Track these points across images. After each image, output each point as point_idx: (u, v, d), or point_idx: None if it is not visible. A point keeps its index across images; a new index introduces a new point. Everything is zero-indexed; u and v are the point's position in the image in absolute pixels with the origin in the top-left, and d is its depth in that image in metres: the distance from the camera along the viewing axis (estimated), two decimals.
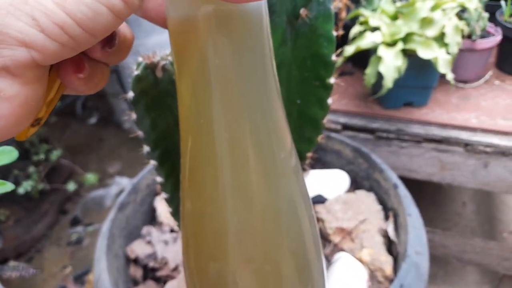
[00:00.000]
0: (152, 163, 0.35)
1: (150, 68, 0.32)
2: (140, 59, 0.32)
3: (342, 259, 0.51)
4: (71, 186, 1.07)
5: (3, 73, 0.15)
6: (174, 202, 0.38)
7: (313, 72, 0.41)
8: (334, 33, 0.38)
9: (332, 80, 0.41)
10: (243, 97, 0.24)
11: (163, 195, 0.37)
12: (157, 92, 0.33)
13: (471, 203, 0.99)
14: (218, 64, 0.22)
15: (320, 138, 0.46)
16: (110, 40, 0.20)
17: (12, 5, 0.14)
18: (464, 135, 0.63)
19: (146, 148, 0.34)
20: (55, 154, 1.05)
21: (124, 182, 1.22)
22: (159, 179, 0.36)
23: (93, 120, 1.47)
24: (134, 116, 0.32)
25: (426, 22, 0.60)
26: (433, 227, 0.92)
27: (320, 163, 0.70)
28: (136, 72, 0.31)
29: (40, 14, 0.15)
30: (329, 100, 0.42)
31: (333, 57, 0.39)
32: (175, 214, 0.39)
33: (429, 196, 1.01)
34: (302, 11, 0.36)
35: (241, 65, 0.23)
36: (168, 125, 0.35)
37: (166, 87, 0.33)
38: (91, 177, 1.09)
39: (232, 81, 0.23)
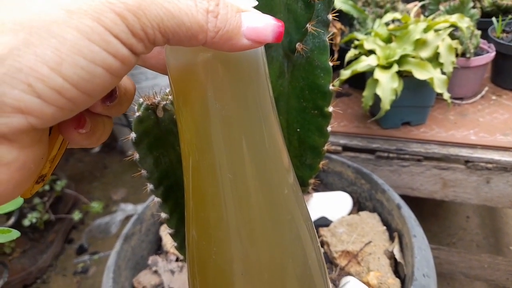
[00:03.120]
0: (156, 200, 0.35)
1: (151, 108, 0.33)
2: (140, 99, 0.33)
3: (349, 283, 0.51)
4: (76, 216, 1.07)
5: (1, 140, 0.15)
6: (179, 237, 0.38)
7: (311, 102, 0.42)
8: (330, 64, 0.39)
9: (330, 108, 0.41)
10: (244, 136, 0.24)
11: (168, 230, 0.38)
12: (159, 131, 0.33)
13: (475, 217, 0.99)
14: (218, 106, 0.23)
15: (321, 165, 0.46)
16: (111, 95, 0.20)
17: (6, 74, 0.14)
18: (464, 152, 0.64)
19: (150, 186, 0.35)
20: (60, 185, 1.06)
21: (129, 209, 1.22)
22: (163, 215, 0.36)
23: (96, 148, 1.49)
24: (137, 156, 0.33)
25: (419, 43, 0.62)
26: (438, 242, 0.92)
27: (322, 184, 0.70)
28: (137, 113, 0.32)
29: (36, 80, 0.14)
30: (329, 128, 0.43)
31: (330, 87, 0.40)
32: (181, 248, 0.39)
33: (432, 210, 1.01)
34: (298, 46, 0.37)
35: (241, 105, 0.24)
36: (171, 162, 0.35)
37: (168, 126, 0.33)
38: (96, 206, 1.09)
39: (233, 122, 0.24)
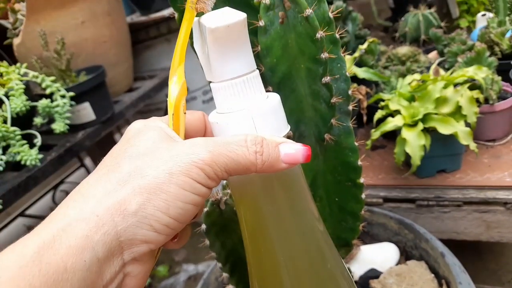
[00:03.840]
0: (225, 275, 0.43)
1: (216, 203, 0.41)
2: None
3: None
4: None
5: (133, 262, 0.24)
6: None
7: (345, 176, 0.49)
8: (356, 144, 0.47)
9: (362, 180, 0.49)
10: (289, 224, 0.32)
11: None
12: (223, 220, 0.42)
13: None
14: (267, 207, 0.31)
15: (361, 227, 0.53)
16: (195, 216, 0.29)
17: (138, 221, 0.23)
18: (502, 195, 0.67)
19: (219, 264, 0.43)
20: None
21: (190, 269, 1.30)
22: (231, 287, 0.44)
23: None
24: (207, 242, 0.42)
25: (440, 101, 0.67)
26: (497, 280, 0.91)
27: (368, 236, 0.75)
28: (205, 209, 0.41)
29: (154, 222, 0.23)
30: (363, 196, 0.50)
31: (359, 163, 0.48)
32: None
33: (488, 247, 1.00)
34: (326, 136, 0.45)
35: (286, 203, 0.31)
36: (234, 243, 0.43)
37: (230, 216, 0.42)
38: (161, 270, 1.19)
39: (279, 215, 0.31)
